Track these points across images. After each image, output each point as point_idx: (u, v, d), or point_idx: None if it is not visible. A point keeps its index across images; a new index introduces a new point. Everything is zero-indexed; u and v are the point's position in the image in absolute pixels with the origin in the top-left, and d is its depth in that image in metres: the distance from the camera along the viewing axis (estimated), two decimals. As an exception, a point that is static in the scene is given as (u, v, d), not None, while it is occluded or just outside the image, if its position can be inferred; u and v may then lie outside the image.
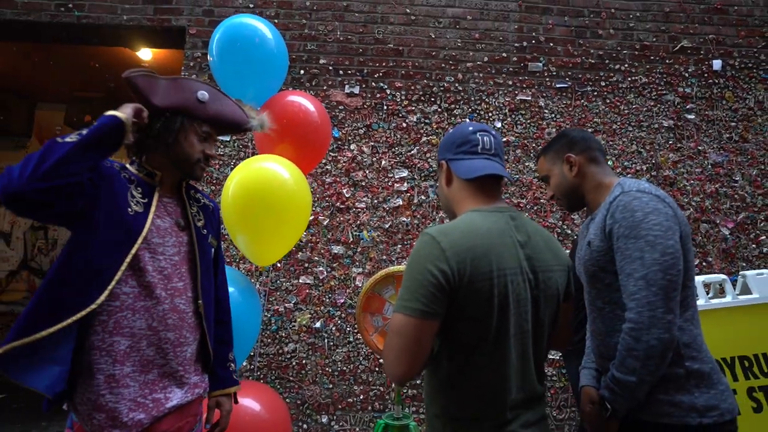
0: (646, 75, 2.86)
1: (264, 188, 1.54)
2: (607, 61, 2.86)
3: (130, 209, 1.03)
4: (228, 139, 2.74)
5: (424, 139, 2.78)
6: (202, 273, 1.14)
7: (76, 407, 0.98)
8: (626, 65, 2.86)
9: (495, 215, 0.95)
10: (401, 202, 2.71)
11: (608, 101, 2.81)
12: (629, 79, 2.85)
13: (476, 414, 0.89)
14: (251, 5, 2.85)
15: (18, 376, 0.91)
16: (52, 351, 0.92)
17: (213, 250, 1.23)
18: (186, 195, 1.18)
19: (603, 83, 2.83)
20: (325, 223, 2.69)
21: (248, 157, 2.53)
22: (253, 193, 1.53)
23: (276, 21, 2.84)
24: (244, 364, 2.52)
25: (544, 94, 2.80)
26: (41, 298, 0.94)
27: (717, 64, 2.87)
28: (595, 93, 2.81)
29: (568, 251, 2.65)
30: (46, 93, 4.48)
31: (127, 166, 1.10)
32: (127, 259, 0.99)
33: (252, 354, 2.54)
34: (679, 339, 0.98)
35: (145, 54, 3.29)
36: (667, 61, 2.89)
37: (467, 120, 2.78)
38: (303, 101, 1.89)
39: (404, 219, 2.70)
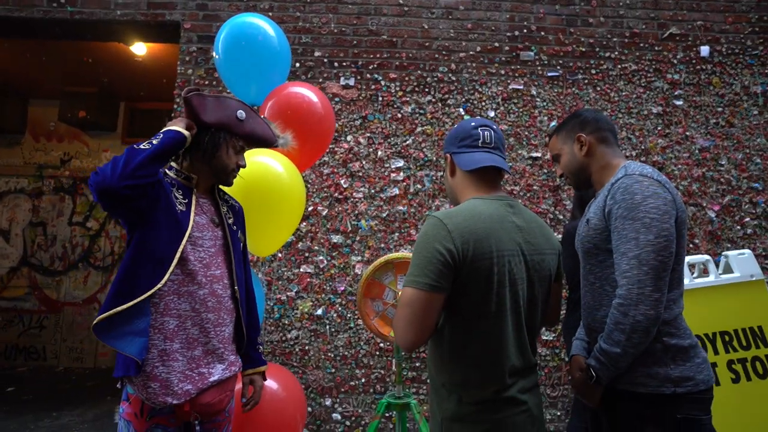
0: (636, 62, 2.92)
1: (258, 182, 1.61)
2: (597, 49, 2.91)
3: (177, 208, 1.19)
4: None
5: (419, 129, 2.83)
6: (236, 263, 1.30)
7: (132, 380, 1.12)
8: (616, 53, 2.91)
9: (495, 202, 1.06)
10: (398, 192, 2.78)
11: (599, 89, 2.87)
12: (619, 66, 2.90)
13: (480, 380, 1.00)
14: (245, -2, 2.87)
15: (113, 343, 1.09)
16: (134, 325, 1.11)
17: (242, 244, 1.38)
18: (218, 196, 1.35)
19: (593, 71, 2.89)
20: (324, 213, 2.75)
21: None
22: (247, 187, 1.59)
23: (270, 14, 2.86)
24: (249, 351, 2.60)
25: (536, 83, 2.86)
26: (122, 282, 1.12)
27: (705, 50, 2.93)
28: (586, 81, 2.87)
29: (559, 236, 2.74)
30: (39, 89, 4.46)
31: (167, 171, 1.26)
32: (179, 250, 1.16)
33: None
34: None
35: (139, 48, 3.30)
36: (656, 48, 2.94)
37: (461, 110, 2.83)
38: (306, 92, 1.92)
39: (401, 208, 2.76)
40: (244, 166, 1.32)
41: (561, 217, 2.77)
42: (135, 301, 1.10)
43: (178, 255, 1.16)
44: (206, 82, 2.80)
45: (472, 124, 1.11)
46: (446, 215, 1.00)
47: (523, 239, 1.03)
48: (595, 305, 1.16)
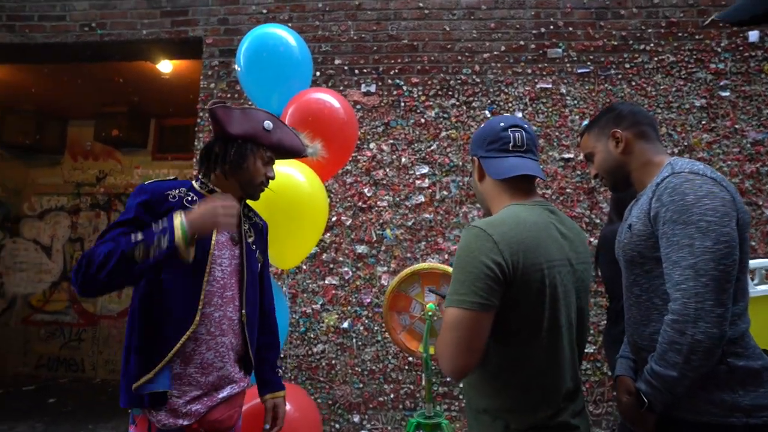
0: (674, 53, 2.73)
1: (279, 193, 1.56)
2: (630, 42, 2.74)
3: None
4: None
5: (443, 134, 2.74)
6: (248, 285, 1.24)
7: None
8: (652, 44, 2.74)
9: (537, 209, 0.96)
10: (423, 199, 2.69)
11: (634, 83, 2.70)
12: (656, 59, 2.72)
13: (533, 405, 0.90)
14: (264, 11, 2.88)
15: (146, 392, 1.07)
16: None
17: (260, 265, 1.32)
18: (242, 212, 1.29)
19: (627, 65, 2.72)
20: (348, 223, 2.69)
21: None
22: (268, 197, 1.54)
23: (290, 24, 2.85)
24: (275, 366, 2.56)
25: (565, 81, 2.72)
26: (143, 337, 1.08)
27: (753, 35, 2.71)
28: (620, 76, 2.71)
29: (596, 241, 2.57)
30: (76, 111, 4.65)
31: (194, 184, 1.23)
32: (203, 289, 1.12)
33: (282, 356, 2.57)
34: None
35: (165, 66, 3.37)
36: (697, 36, 2.75)
37: (486, 112, 2.73)
38: (328, 98, 1.88)
39: (427, 215, 2.67)
40: (273, 178, 1.27)
41: (598, 221, 2.60)
42: (167, 359, 1.07)
43: (203, 294, 1.12)
44: (228, 95, 2.82)
45: (501, 124, 1.00)
46: (489, 224, 0.90)
47: (569, 247, 0.94)
48: (643, 321, 1.03)
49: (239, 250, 1.24)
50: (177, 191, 1.16)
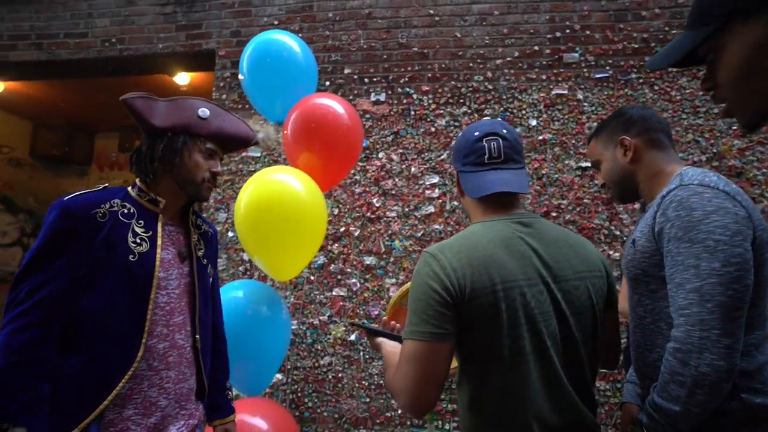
0: (701, 55, 2.58)
1: (274, 202, 1.52)
2: (653, 44, 2.61)
3: (132, 256, 0.98)
4: (258, 155, 2.79)
5: (454, 142, 2.67)
6: (201, 307, 1.11)
7: None
8: (676, 46, 2.59)
9: (500, 224, 0.88)
10: (433, 210, 2.62)
11: (657, 88, 2.56)
12: (680, 61, 2.58)
13: None
14: (276, 22, 2.90)
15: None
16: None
17: (211, 279, 1.19)
18: (191, 221, 1.15)
19: (649, 70, 2.58)
20: (356, 234, 2.65)
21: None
22: (263, 207, 1.51)
23: (300, 35, 2.86)
24: (280, 377, 2.52)
25: (582, 86, 2.61)
26: (63, 388, 0.91)
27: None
28: (641, 80, 2.58)
29: (615, 254, 2.44)
30: (102, 124, 4.84)
31: (129, 191, 1.07)
32: (149, 307, 0.97)
33: (289, 367, 2.54)
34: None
35: (182, 78, 3.45)
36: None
37: (499, 119, 2.64)
38: (331, 103, 1.83)
39: (437, 226, 2.60)
40: (219, 174, 1.12)
41: (618, 233, 2.46)
42: (98, 410, 0.89)
43: (147, 324, 0.95)
44: (239, 106, 2.84)
45: (476, 134, 0.92)
46: (439, 248, 0.85)
47: (542, 264, 0.84)
48: (647, 346, 0.95)
49: (189, 267, 1.09)
50: (107, 206, 0.98)
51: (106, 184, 1.07)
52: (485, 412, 0.83)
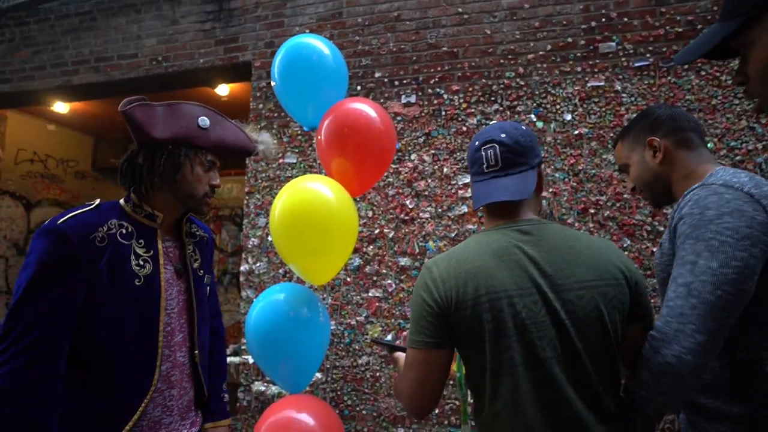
0: (755, 35, 2.39)
1: (305, 210, 1.57)
2: (699, 26, 2.45)
3: (138, 280, 0.93)
4: (294, 161, 2.89)
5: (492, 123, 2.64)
6: (199, 321, 1.07)
7: None
8: (726, 28, 2.42)
9: (498, 233, 0.87)
10: (466, 209, 2.61)
11: (704, 73, 2.41)
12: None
13: None
14: (307, 31, 2.99)
15: None
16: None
17: (208, 288, 1.16)
18: (185, 233, 1.10)
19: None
20: (390, 235, 2.69)
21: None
22: (295, 215, 1.56)
23: (331, 41, 2.93)
24: (320, 376, 2.62)
25: (620, 77, 2.49)
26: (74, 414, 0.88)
27: None
28: (686, 67, 2.43)
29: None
30: (153, 134, 5.20)
31: (123, 206, 1.00)
32: (160, 340, 0.94)
33: (328, 367, 2.64)
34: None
35: (223, 90, 3.63)
36: None
37: (532, 116, 2.59)
38: (364, 108, 1.84)
39: (471, 226, 2.59)
40: (218, 186, 1.06)
41: (661, 228, 2.35)
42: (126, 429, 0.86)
43: (159, 351, 0.92)
44: (275, 115, 2.96)
45: (476, 143, 0.92)
46: (436, 261, 0.89)
47: (539, 272, 0.81)
48: None
49: (186, 283, 1.05)
50: (104, 228, 0.92)
51: (98, 201, 1.01)
52: (483, 420, 0.85)
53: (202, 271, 1.12)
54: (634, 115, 2.46)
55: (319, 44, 1.88)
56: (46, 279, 0.84)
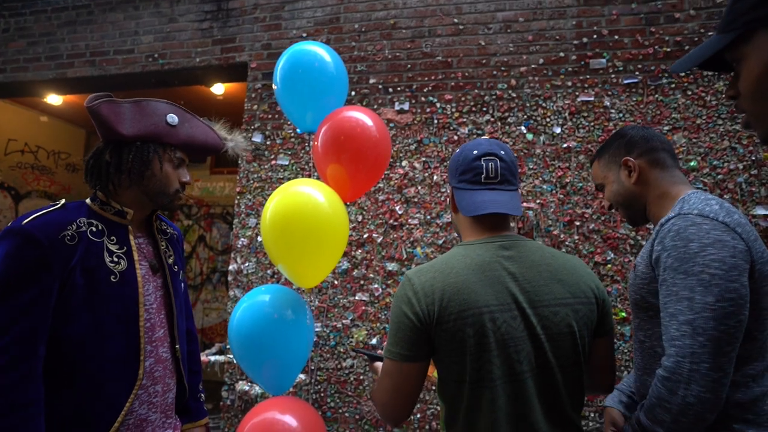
0: (740, 58, 2.46)
1: (296, 213, 1.58)
2: (687, 47, 2.51)
3: (113, 276, 0.93)
4: (287, 163, 2.91)
5: (485, 137, 2.68)
6: (178, 316, 1.07)
7: None
8: (712, 49, 2.48)
9: (482, 247, 0.89)
10: (454, 217, 2.64)
11: (690, 93, 2.47)
12: (717, 64, 2.47)
13: None
14: (304, 35, 3.01)
15: None
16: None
17: (183, 285, 1.16)
18: (156, 229, 1.10)
19: (682, 73, 2.49)
20: (378, 240, 2.72)
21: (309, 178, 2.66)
22: (286, 218, 1.58)
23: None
24: (304, 377, 2.64)
25: (609, 93, 2.55)
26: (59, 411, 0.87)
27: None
28: (673, 85, 2.49)
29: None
30: (147, 129, 5.18)
31: (90, 205, 0.99)
32: (141, 334, 0.94)
33: (312, 368, 2.65)
34: (732, 396, 0.83)
35: (218, 89, 3.64)
36: None
37: (522, 128, 2.63)
38: (360, 116, 1.86)
39: (457, 234, 2.62)
40: (188, 183, 1.07)
41: (644, 243, 2.39)
42: (115, 426, 0.87)
43: (142, 346, 0.92)
44: (269, 116, 2.98)
45: (475, 152, 0.93)
46: (417, 272, 0.88)
47: (519, 289, 0.85)
48: (646, 369, 0.96)
49: (162, 278, 1.05)
50: (74, 227, 0.91)
51: (63, 201, 0.99)
52: (456, 431, 0.87)
53: (176, 267, 1.12)
54: (621, 131, 2.52)
55: (321, 51, 1.90)
56: (15, 282, 0.82)
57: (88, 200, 1.01)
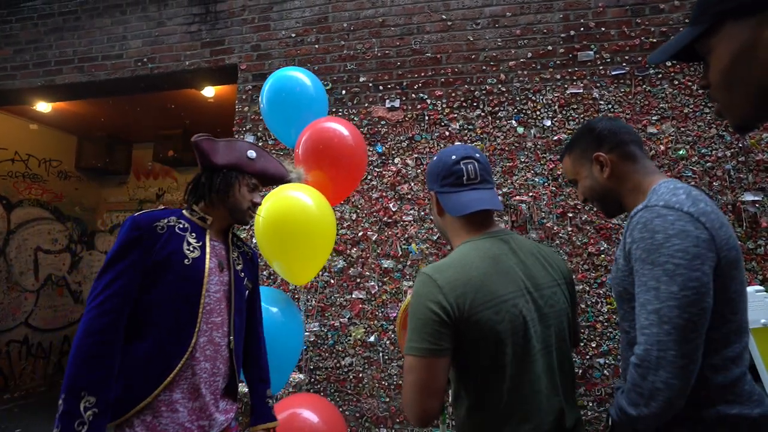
0: (725, 46, 2.49)
1: (288, 215, 1.65)
2: (672, 37, 2.53)
3: (186, 260, 1.18)
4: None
5: (458, 144, 2.69)
6: (235, 311, 1.27)
7: (124, 428, 1.09)
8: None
9: (488, 242, 0.96)
10: (448, 212, 2.65)
11: (677, 82, 2.49)
12: (702, 54, 2.50)
13: None
14: (293, 35, 3.01)
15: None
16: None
17: (248, 292, 1.37)
18: (231, 241, 1.35)
19: (669, 63, 2.52)
20: (373, 238, 2.72)
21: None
22: (279, 220, 1.63)
23: (317, 46, 2.97)
24: (303, 377, 2.64)
25: (598, 84, 2.57)
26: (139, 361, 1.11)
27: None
28: (660, 75, 2.51)
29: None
30: (138, 135, 5.15)
31: (184, 212, 1.27)
32: (200, 310, 1.16)
33: (311, 368, 2.65)
34: (712, 379, 0.84)
35: (209, 92, 3.63)
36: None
37: (513, 122, 2.65)
38: (337, 127, 1.96)
39: (444, 237, 2.64)
40: (259, 204, 1.33)
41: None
42: (163, 384, 1.10)
43: (200, 315, 1.15)
44: (260, 117, 2.97)
45: (453, 157, 1.00)
46: (435, 269, 0.91)
47: (525, 275, 0.93)
48: (627, 356, 0.97)
49: (228, 277, 1.27)
50: (166, 221, 1.19)
51: (164, 206, 1.29)
52: (490, 422, 0.89)
53: (243, 274, 1.34)
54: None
55: (302, 76, 2.10)
56: (120, 253, 1.11)
57: (182, 209, 1.29)
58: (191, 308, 1.16)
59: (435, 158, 1.04)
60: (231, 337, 1.25)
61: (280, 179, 1.40)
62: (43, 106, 4.07)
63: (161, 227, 1.18)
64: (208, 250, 1.23)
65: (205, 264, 1.20)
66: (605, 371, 2.35)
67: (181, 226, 1.22)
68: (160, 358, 1.12)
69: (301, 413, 1.76)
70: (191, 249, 1.19)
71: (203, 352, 1.18)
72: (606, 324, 2.39)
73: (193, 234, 1.23)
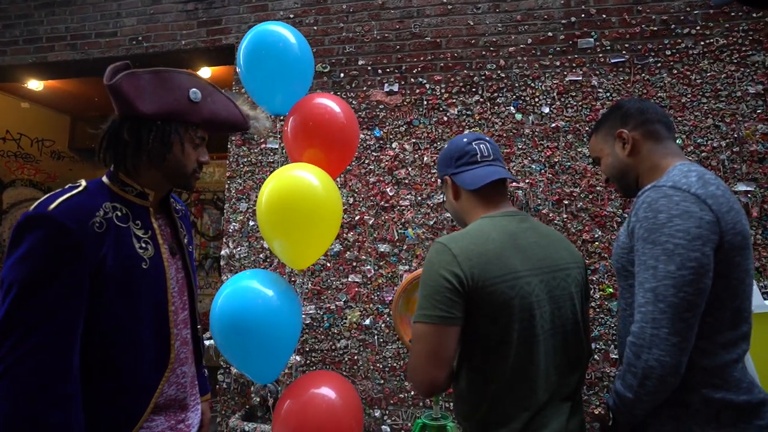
0: (725, 36, 2.49)
1: (293, 197, 1.58)
2: (673, 26, 2.53)
3: (144, 264, 0.90)
4: (276, 146, 2.90)
5: (466, 131, 2.69)
6: (196, 296, 1.07)
7: None
8: (698, 27, 2.51)
9: (506, 219, 0.98)
10: (445, 198, 2.67)
11: (675, 72, 2.50)
12: (702, 43, 2.50)
13: (503, 418, 0.89)
14: (291, 15, 2.97)
15: None
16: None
17: (195, 261, 1.15)
18: (173, 210, 1.06)
19: (668, 52, 2.52)
20: (370, 222, 2.74)
21: (280, 164, 2.63)
22: (283, 201, 1.59)
23: (315, 28, 2.93)
24: (299, 359, 2.68)
25: (597, 72, 2.57)
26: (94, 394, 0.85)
27: (819, 12, 2.41)
28: (659, 64, 2.51)
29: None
30: (133, 115, 5.08)
31: (111, 186, 0.93)
32: (170, 318, 0.93)
33: (307, 350, 2.69)
34: (698, 362, 0.86)
35: (205, 72, 3.58)
36: (755, 14, 2.48)
37: (512, 108, 2.64)
38: (329, 103, 1.87)
39: (449, 215, 2.65)
40: (207, 163, 1.01)
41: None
42: (138, 425, 0.86)
43: (172, 331, 0.92)
44: (258, 100, 2.95)
45: (465, 140, 1.05)
46: (451, 239, 0.93)
47: (541, 255, 0.94)
48: (625, 335, 1.00)
49: (181, 261, 1.03)
50: (101, 212, 0.86)
51: (83, 182, 0.92)
52: (491, 395, 0.90)
53: (191, 247, 1.10)
54: (609, 111, 2.54)
55: (285, 32, 1.80)
56: (46, 275, 0.77)
57: (105, 179, 0.94)
58: (161, 320, 0.92)
59: (446, 146, 1.08)
60: (198, 326, 1.06)
61: (235, 127, 1.06)
62: (34, 84, 4.00)
63: (98, 224, 0.84)
64: (160, 240, 0.95)
65: (163, 260, 0.94)
66: (595, 356, 2.41)
67: (119, 213, 0.89)
68: (134, 388, 0.88)
69: (319, 392, 1.72)
70: (143, 246, 0.91)
71: (179, 358, 0.98)
72: (597, 310, 2.44)
73: (137, 222, 0.92)
